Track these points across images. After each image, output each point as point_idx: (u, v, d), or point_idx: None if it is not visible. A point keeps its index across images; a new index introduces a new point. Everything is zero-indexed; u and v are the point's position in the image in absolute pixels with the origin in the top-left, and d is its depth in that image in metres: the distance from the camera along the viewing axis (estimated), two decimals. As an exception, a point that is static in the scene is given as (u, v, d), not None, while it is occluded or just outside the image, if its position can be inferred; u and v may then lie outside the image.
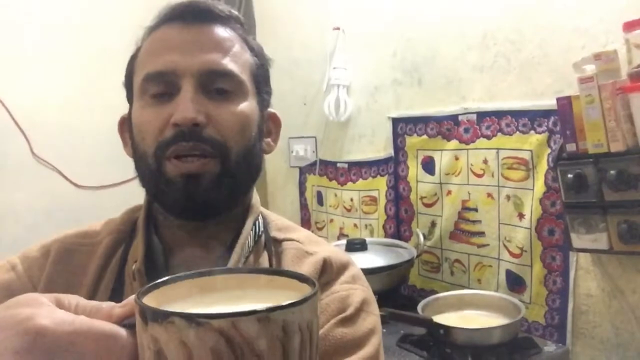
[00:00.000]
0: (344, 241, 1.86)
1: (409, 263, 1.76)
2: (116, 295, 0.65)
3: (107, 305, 0.38)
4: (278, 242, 0.72)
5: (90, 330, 0.34)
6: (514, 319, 1.36)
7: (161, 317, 0.30)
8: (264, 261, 0.68)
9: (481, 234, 1.73)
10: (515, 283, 1.64)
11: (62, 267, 0.67)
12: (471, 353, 1.27)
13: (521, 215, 1.61)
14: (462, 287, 1.78)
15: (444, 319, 1.40)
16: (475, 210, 1.74)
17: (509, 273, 1.65)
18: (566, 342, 1.51)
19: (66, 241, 0.71)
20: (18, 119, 2.12)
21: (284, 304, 0.31)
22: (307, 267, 0.67)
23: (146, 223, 0.69)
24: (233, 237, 0.67)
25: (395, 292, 1.81)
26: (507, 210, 1.65)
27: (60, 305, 0.37)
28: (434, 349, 1.33)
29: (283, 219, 0.78)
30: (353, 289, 0.68)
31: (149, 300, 0.35)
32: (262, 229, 0.72)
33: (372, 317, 0.67)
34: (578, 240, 1.39)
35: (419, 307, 1.45)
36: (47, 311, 0.35)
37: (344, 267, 0.70)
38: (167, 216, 0.68)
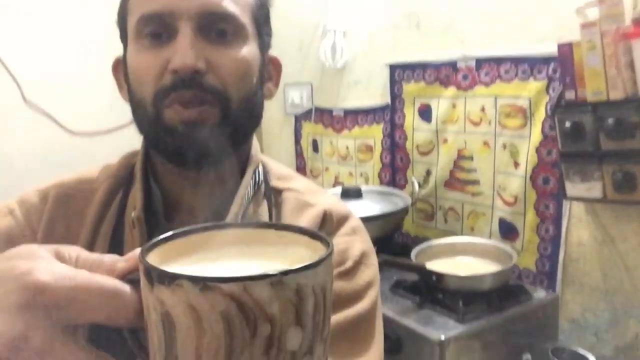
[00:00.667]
0: (339, 189, 1.86)
1: (404, 211, 1.77)
2: (116, 242, 0.65)
3: (109, 258, 0.36)
4: (278, 191, 0.70)
5: (92, 286, 0.32)
6: (506, 266, 1.38)
7: (168, 279, 0.29)
8: (264, 211, 0.67)
9: (476, 182, 1.74)
10: (507, 231, 1.65)
11: (61, 213, 0.66)
12: (462, 299, 1.30)
13: (517, 164, 1.60)
14: (456, 234, 1.80)
15: (437, 265, 1.42)
16: (471, 159, 1.74)
17: (502, 221, 1.67)
18: (556, 289, 1.54)
19: (63, 186, 0.69)
20: (8, 64, 2.07)
21: (298, 267, 0.30)
22: (307, 219, 0.66)
23: (144, 169, 0.68)
24: (233, 186, 0.66)
25: (390, 239, 1.83)
26: (503, 159, 1.64)
27: (60, 257, 0.35)
28: (426, 295, 1.36)
29: (282, 166, 0.76)
30: (352, 241, 0.67)
31: (153, 258, 0.33)
32: (262, 178, 0.71)
33: (371, 269, 0.67)
34: (572, 188, 1.39)
35: (413, 254, 1.46)
36: (46, 265, 0.33)
37: (344, 219, 0.70)
38: (165, 163, 0.67)
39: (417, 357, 1.24)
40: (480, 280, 1.35)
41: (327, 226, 0.67)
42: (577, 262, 1.51)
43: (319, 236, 0.36)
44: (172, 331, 0.29)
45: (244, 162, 0.69)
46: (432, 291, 1.36)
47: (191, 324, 0.29)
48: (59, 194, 0.68)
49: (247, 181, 0.67)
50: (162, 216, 0.65)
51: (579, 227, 1.50)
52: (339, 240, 0.67)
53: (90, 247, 0.64)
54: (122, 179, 0.70)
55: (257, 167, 0.71)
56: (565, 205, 1.50)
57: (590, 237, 1.47)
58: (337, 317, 0.61)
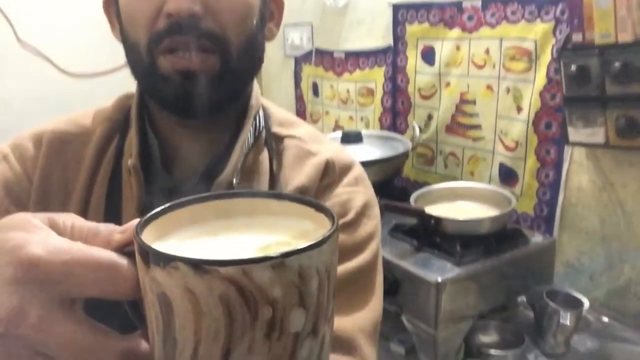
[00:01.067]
0: (339, 133, 1.85)
1: (404, 156, 1.77)
2: (114, 189, 0.63)
3: (106, 228, 0.34)
4: (279, 138, 0.68)
5: (87, 260, 0.31)
6: (504, 211, 1.38)
7: (163, 260, 0.27)
8: (264, 159, 0.65)
9: (477, 127, 1.72)
10: (507, 176, 1.65)
11: (56, 159, 0.64)
12: (460, 242, 1.31)
13: (519, 109, 1.58)
14: (455, 179, 1.80)
15: (436, 209, 1.42)
16: (474, 103, 1.71)
17: (502, 166, 1.66)
18: (553, 234, 1.55)
19: (57, 131, 0.66)
20: (0, 4, 2.01)
21: (300, 247, 0.28)
22: (309, 169, 0.64)
23: (139, 115, 0.64)
24: (233, 134, 0.64)
25: (389, 184, 1.84)
26: (506, 103, 1.62)
27: (54, 226, 0.33)
28: (424, 238, 1.37)
29: (284, 111, 0.73)
30: (355, 192, 0.65)
31: (150, 233, 0.32)
32: (262, 124, 0.68)
33: (373, 221, 0.66)
34: (575, 134, 1.38)
35: (412, 199, 1.47)
36: (40, 237, 0.31)
37: (346, 168, 0.67)
38: (161, 111, 0.64)
39: (414, 299, 1.27)
40: (479, 224, 1.36)
41: (330, 176, 0.65)
42: (576, 207, 1.52)
43: (324, 209, 0.34)
44: (170, 313, 0.28)
45: (244, 107, 0.66)
46: (430, 235, 1.37)
47: (189, 307, 0.28)
48: (53, 139, 0.65)
49: (247, 129, 0.64)
50: (159, 165, 0.63)
51: (579, 172, 1.49)
52: (342, 191, 0.65)
53: (88, 195, 0.63)
54: (117, 122, 0.67)
55: (258, 112, 0.68)
56: (567, 150, 1.50)
57: (589, 182, 1.47)
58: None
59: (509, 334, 1.39)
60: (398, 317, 1.31)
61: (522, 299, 1.49)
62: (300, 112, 2.45)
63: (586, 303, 1.35)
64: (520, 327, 1.38)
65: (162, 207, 0.34)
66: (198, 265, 0.27)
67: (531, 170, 1.59)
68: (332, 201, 0.64)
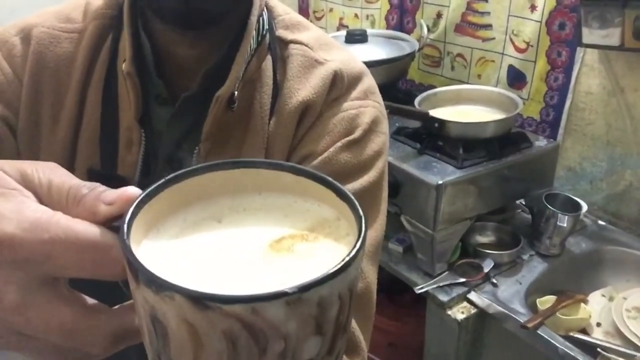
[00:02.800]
0: (343, 32, 1.78)
1: (410, 56, 1.71)
2: (109, 94, 0.59)
3: (91, 193, 0.29)
4: (284, 43, 0.62)
5: (69, 240, 0.27)
6: (510, 114, 1.36)
7: (156, 286, 0.23)
8: (267, 67, 0.60)
9: (488, 26, 1.65)
10: (515, 79, 1.61)
11: (47, 59, 0.59)
12: (463, 145, 1.30)
13: (533, 7, 1.51)
14: (462, 82, 1.76)
15: (440, 113, 1.40)
16: (485, 0, 1.63)
17: (510, 69, 1.62)
18: (557, 138, 1.54)
19: (46, 25, 0.61)
20: None
21: (321, 277, 0.23)
22: (315, 81, 0.60)
23: (131, 16, 0.58)
24: (234, 39, 0.58)
25: (394, 86, 1.80)
26: (519, 1, 1.54)
27: (28, 184, 0.29)
28: (427, 142, 1.36)
29: (291, 12, 0.67)
30: (363, 107, 0.61)
31: (144, 217, 0.27)
32: (266, 26, 0.62)
33: (380, 138, 0.62)
34: (589, 35, 1.33)
35: (416, 101, 1.44)
36: (14, 207, 0.27)
37: (356, 80, 0.63)
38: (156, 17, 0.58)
39: (414, 200, 1.28)
40: (483, 128, 1.34)
41: (337, 89, 0.61)
42: (583, 112, 1.50)
43: (349, 199, 0.29)
44: (165, 336, 0.25)
45: (246, 11, 0.60)
46: (433, 138, 1.37)
47: (186, 336, 0.24)
48: (42, 36, 0.60)
49: (250, 34, 0.58)
50: (154, 73, 0.59)
51: (589, 75, 1.45)
52: (350, 106, 0.61)
53: (82, 99, 0.59)
54: (111, 18, 0.62)
55: (262, 13, 0.61)
56: (579, 53, 1.45)
57: (599, 86, 1.44)
58: None
59: (505, 235, 1.42)
60: (397, 218, 1.34)
61: (520, 202, 1.52)
62: (303, 9, 2.35)
63: (584, 206, 1.37)
64: (517, 229, 1.42)
65: (159, 183, 0.29)
66: (198, 300, 0.23)
67: (540, 73, 1.54)
68: (338, 117, 0.60)
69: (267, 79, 0.60)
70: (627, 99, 1.39)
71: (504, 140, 1.36)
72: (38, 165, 0.30)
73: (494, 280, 1.28)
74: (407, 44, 1.74)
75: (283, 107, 0.59)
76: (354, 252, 0.25)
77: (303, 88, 0.60)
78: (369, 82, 0.64)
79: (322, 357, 0.26)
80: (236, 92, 0.57)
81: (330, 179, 0.30)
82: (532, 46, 1.54)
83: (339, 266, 0.24)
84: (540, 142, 1.44)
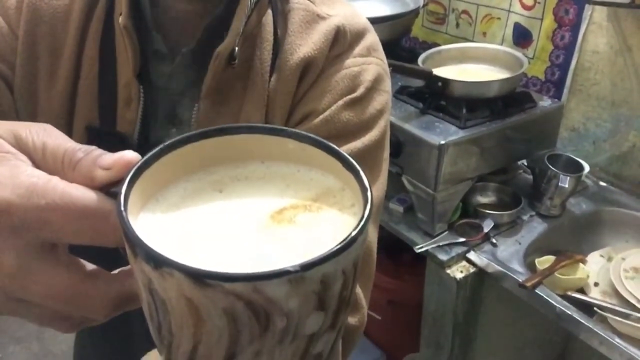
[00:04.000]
0: (346, -13, 1.73)
1: (414, 13, 1.67)
2: (107, 51, 0.58)
3: (87, 157, 0.28)
4: None
5: (67, 206, 0.26)
6: (514, 74, 1.34)
7: (155, 262, 0.23)
8: (268, 21, 0.58)
9: (495, -18, 1.61)
10: (521, 37, 1.58)
11: (42, 11, 0.57)
12: (466, 105, 1.29)
13: (542, -38, 1.47)
14: (466, 40, 1.72)
15: (444, 71, 1.38)
16: (493, -45, 1.59)
17: (517, 26, 1.58)
18: (562, 98, 1.53)
19: None
20: None
21: (325, 254, 0.23)
22: (317, 36, 0.58)
23: None
24: None
25: (397, 44, 1.76)
26: (528, -44, 1.50)
27: (22, 147, 0.28)
28: (430, 101, 1.35)
29: None
30: (366, 64, 0.60)
31: (142, 186, 0.26)
32: None
33: (383, 96, 0.61)
34: (598, -9, 1.30)
35: (420, 60, 1.42)
36: (8, 172, 0.26)
37: (359, 36, 0.61)
38: None
39: (416, 160, 1.28)
40: (486, 87, 1.32)
41: (340, 45, 0.59)
42: (588, 72, 1.47)
43: (354, 168, 0.28)
44: (164, 311, 0.24)
45: None
46: (436, 97, 1.35)
47: (186, 311, 0.23)
48: None
49: None
50: (151, 25, 0.57)
51: (597, 34, 1.42)
52: (352, 63, 0.59)
53: (79, 54, 0.57)
54: None
55: None
56: (587, 10, 1.41)
57: (606, 45, 1.41)
58: (342, 150, 0.57)
59: (506, 196, 1.42)
60: (399, 178, 1.34)
61: (522, 162, 1.51)
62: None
63: (586, 167, 1.37)
64: (518, 190, 1.41)
65: (158, 148, 0.28)
66: (198, 278, 0.22)
67: (547, 31, 1.51)
68: (340, 74, 0.58)
69: (267, 35, 0.59)
70: (635, 58, 1.37)
71: (507, 100, 1.34)
72: (32, 127, 0.29)
73: (494, 240, 1.29)
74: (411, 0, 1.70)
75: (284, 63, 0.58)
76: (359, 228, 0.24)
77: (304, 44, 0.58)
78: (372, 38, 0.63)
79: (324, 331, 0.26)
80: (237, 49, 0.55)
81: (335, 147, 0.29)
82: (539, 3, 1.50)
83: (344, 243, 0.23)
84: (545, 102, 1.42)
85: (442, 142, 1.21)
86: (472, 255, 1.27)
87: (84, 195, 0.27)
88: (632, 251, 1.27)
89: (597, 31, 1.42)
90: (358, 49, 0.60)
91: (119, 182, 0.26)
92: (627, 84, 1.40)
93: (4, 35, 0.57)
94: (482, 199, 1.43)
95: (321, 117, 0.57)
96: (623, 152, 1.46)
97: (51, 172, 0.28)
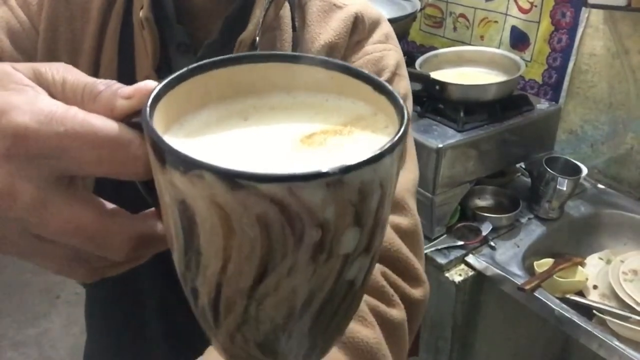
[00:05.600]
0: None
1: (411, 17, 1.67)
2: (126, 45, 0.58)
3: (107, 89, 0.27)
4: None
5: (86, 134, 0.25)
6: (512, 77, 1.34)
7: (184, 165, 0.21)
8: (286, 13, 0.59)
9: (491, -14, 1.61)
10: (518, 40, 1.59)
11: (62, 7, 0.58)
12: (464, 108, 1.29)
13: (538, -34, 1.47)
14: (464, 43, 1.73)
15: (442, 75, 1.38)
16: (489, -42, 1.59)
17: (514, 29, 1.59)
18: (559, 101, 1.53)
19: None
20: None
21: (364, 159, 0.21)
22: (336, 24, 0.59)
23: None
24: None
25: (395, 47, 1.76)
26: (524, -41, 1.50)
27: (41, 81, 0.27)
28: (428, 104, 1.35)
29: None
30: (387, 50, 0.61)
31: (164, 110, 0.25)
32: None
33: (405, 81, 0.62)
34: (595, -6, 1.30)
35: (417, 63, 1.42)
36: (26, 99, 0.25)
37: (375, 24, 0.62)
38: None
39: (414, 164, 1.28)
40: (484, 90, 1.32)
41: (359, 31, 0.60)
42: (586, 74, 1.47)
43: (386, 90, 0.26)
44: (193, 224, 0.23)
45: None
46: (434, 101, 1.35)
47: (217, 221, 0.22)
48: None
49: None
50: (174, 18, 0.57)
51: (593, 37, 1.43)
52: (373, 49, 0.60)
53: (98, 50, 0.58)
54: None
55: None
56: (584, 13, 1.42)
57: (603, 48, 1.41)
58: None
59: (504, 199, 1.42)
60: (397, 182, 1.34)
61: (520, 165, 1.51)
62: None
63: (584, 170, 1.37)
64: (516, 193, 1.42)
65: (181, 72, 0.26)
66: (230, 179, 0.20)
67: (544, 34, 1.52)
68: (363, 60, 0.60)
69: (286, 27, 0.60)
70: (632, 60, 1.37)
71: (505, 103, 1.34)
72: (52, 64, 0.28)
73: (492, 244, 1.29)
74: (409, 4, 1.70)
75: (305, 52, 0.59)
76: (398, 136, 0.23)
77: (324, 32, 0.59)
78: (387, 26, 0.64)
79: (359, 254, 0.24)
80: (257, 38, 0.56)
81: (367, 72, 0.28)
82: (536, 6, 1.51)
83: (383, 149, 0.22)
84: (542, 105, 1.43)
85: (440, 145, 1.21)
86: (470, 259, 1.27)
87: (104, 124, 0.25)
88: (631, 253, 1.27)
89: (594, 34, 1.43)
90: (376, 36, 0.61)
91: (140, 112, 0.25)
92: (624, 87, 1.40)
93: (26, 30, 0.57)
94: (481, 202, 1.43)
95: None
96: (621, 155, 1.46)
97: (71, 104, 0.27)
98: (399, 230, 0.56)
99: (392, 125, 0.27)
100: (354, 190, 0.22)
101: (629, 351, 1.00)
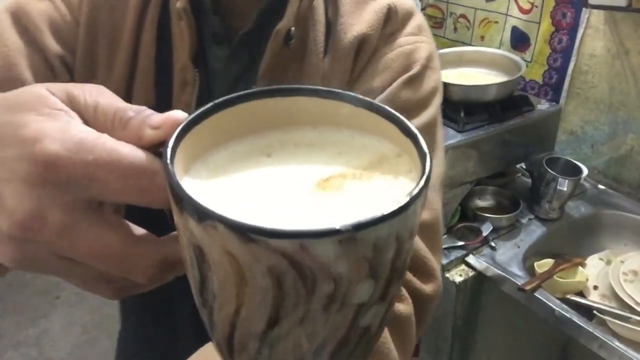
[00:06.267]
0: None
1: (412, 17, 1.68)
2: (163, 35, 0.59)
3: (137, 117, 0.28)
4: None
5: (114, 163, 0.26)
6: (512, 77, 1.35)
7: (199, 215, 0.21)
8: (319, 4, 0.60)
9: (492, -14, 1.61)
10: (519, 40, 1.59)
11: (102, 1, 0.59)
12: (464, 109, 1.29)
13: (539, -34, 1.47)
14: (464, 44, 1.73)
15: (442, 75, 1.37)
16: (490, -41, 1.59)
17: (514, 30, 1.59)
18: (560, 101, 1.53)
19: None
20: None
21: (379, 215, 0.21)
22: (369, 15, 0.59)
23: None
24: None
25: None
26: (525, -40, 1.51)
27: (74, 105, 0.28)
28: (428, 105, 1.35)
29: None
30: (419, 43, 0.61)
31: (187, 147, 0.25)
32: None
33: (436, 74, 0.62)
34: (595, -5, 1.30)
35: (418, 63, 1.42)
36: (58, 126, 0.26)
37: (408, 15, 0.62)
38: None
39: (415, 164, 1.28)
40: (484, 91, 1.33)
41: (392, 23, 0.60)
42: (586, 75, 1.48)
43: (413, 134, 0.26)
44: (207, 269, 0.23)
45: None
46: (434, 101, 1.35)
47: (229, 270, 0.22)
48: None
49: None
50: (210, 8, 0.58)
51: (594, 37, 1.43)
52: (405, 41, 0.60)
53: (137, 40, 0.59)
54: None
55: None
56: (584, 14, 1.42)
57: (604, 48, 1.42)
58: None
59: (504, 199, 1.42)
60: (398, 182, 1.34)
61: (520, 166, 1.51)
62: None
63: (585, 170, 1.37)
64: (516, 193, 1.42)
65: (207, 106, 0.26)
66: (243, 232, 0.21)
67: (544, 35, 1.52)
68: (395, 52, 0.59)
69: (319, 17, 0.60)
70: (632, 61, 1.37)
71: (505, 104, 1.35)
72: (85, 87, 0.29)
73: (493, 244, 1.29)
74: (409, 5, 1.71)
75: (338, 43, 0.59)
76: (418, 189, 0.22)
77: (357, 23, 0.59)
78: (420, 18, 0.64)
79: (373, 303, 0.24)
80: (293, 28, 0.57)
81: (393, 111, 0.27)
82: (536, 7, 1.51)
83: (401, 205, 0.21)
84: (542, 106, 1.43)
85: (441, 145, 1.21)
86: (471, 259, 1.27)
87: (131, 153, 0.26)
88: (631, 254, 1.27)
89: (594, 34, 1.43)
90: (409, 28, 0.61)
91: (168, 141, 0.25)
92: (624, 87, 1.40)
93: (67, 22, 0.58)
94: (481, 203, 1.43)
95: (381, 96, 0.57)
96: (621, 155, 1.46)
97: (101, 130, 0.27)
98: None
99: (415, 170, 0.26)
100: (368, 246, 0.21)
101: (629, 352, 1.00)
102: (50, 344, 2.18)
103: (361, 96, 0.28)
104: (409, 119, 0.59)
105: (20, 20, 0.56)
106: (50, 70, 0.57)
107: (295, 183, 0.26)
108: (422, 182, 0.23)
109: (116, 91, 0.62)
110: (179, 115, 0.27)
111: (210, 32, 0.59)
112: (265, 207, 0.25)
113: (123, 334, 0.84)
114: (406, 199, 0.22)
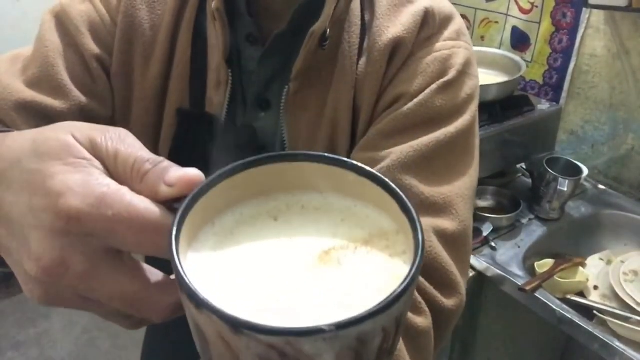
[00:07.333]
0: None
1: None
2: (199, 35, 0.60)
3: (154, 170, 0.29)
4: None
5: (132, 218, 0.28)
6: (512, 77, 1.35)
7: (196, 303, 0.24)
8: (356, 6, 0.59)
9: (492, -14, 1.61)
10: (519, 41, 1.59)
11: (140, 1, 0.60)
12: (465, 109, 1.29)
13: (539, -34, 1.47)
14: (464, 44, 1.73)
15: (442, 75, 1.38)
16: (490, -41, 1.59)
17: (515, 30, 1.59)
18: (560, 101, 1.53)
19: None
20: None
21: (362, 314, 0.22)
22: (405, 18, 0.58)
23: None
24: None
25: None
26: (525, -40, 1.51)
27: (96, 152, 0.30)
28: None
29: None
30: (456, 48, 0.59)
31: (195, 217, 0.27)
32: None
33: (473, 81, 0.60)
34: (596, -5, 1.30)
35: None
36: (81, 180, 0.28)
37: (447, 19, 0.60)
38: None
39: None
40: (485, 91, 1.32)
41: (429, 27, 0.59)
42: (586, 75, 1.47)
43: (410, 213, 0.27)
44: (206, 345, 0.25)
45: None
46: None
47: (224, 351, 0.24)
48: None
49: None
50: (244, 9, 0.58)
51: (594, 37, 1.43)
52: (442, 46, 0.59)
53: (173, 40, 0.60)
54: None
55: None
56: (584, 14, 1.42)
57: (604, 48, 1.42)
58: (436, 135, 0.55)
59: (505, 199, 1.42)
60: (398, 182, 1.34)
61: (521, 166, 1.51)
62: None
63: (585, 171, 1.37)
64: (516, 193, 1.42)
65: (220, 172, 0.28)
66: (234, 326, 0.23)
67: (544, 35, 1.52)
68: (431, 57, 0.58)
69: (355, 19, 0.59)
70: (632, 61, 1.37)
71: (506, 104, 1.34)
72: (108, 132, 0.30)
73: (493, 244, 1.29)
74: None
75: (372, 45, 0.58)
76: (403, 286, 0.24)
77: (393, 26, 0.58)
78: (460, 22, 0.62)
79: None
80: (328, 30, 0.56)
81: (394, 185, 0.28)
82: (536, 7, 1.51)
83: (385, 302, 0.23)
84: (543, 106, 1.43)
85: (441, 146, 1.21)
86: (471, 259, 1.27)
87: (147, 209, 0.28)
88: (632, 254, 1.27)
89: (594, 35, 1.43)
90: (448, 33, 0.60)
91: (182, 198, 0.28)
92: (624, 87, 1.40)
93: (105, 23, 0.59)
94: (481, 203, 1.43)
95: (415, 101, 0.56)
96: (621, 155, 1.46)
97: (121, 179, 0.30)
98: (443, 235, 0.54)
99: (409, 252, 0.27)
100: (352, 340, 0.23)
101: (629, 352, 1.00)
102: (51, 344, 2.18)
103: (365, 166, 0.30)
104: (442, 126, 0.58)
105: (63, 22, 0.58)
106: (87, 71, 0.58)
107: (298, 255, 0.28)
108: (408, 279, 0.24)
109: (152, 90, 0.64)
110: (192, 173, 0.29)
111: (244, 32, 0.59)
112: (266, 284, 0.27)
113: (149, 339, 0.84)
114: (390, 297, 0.23)
